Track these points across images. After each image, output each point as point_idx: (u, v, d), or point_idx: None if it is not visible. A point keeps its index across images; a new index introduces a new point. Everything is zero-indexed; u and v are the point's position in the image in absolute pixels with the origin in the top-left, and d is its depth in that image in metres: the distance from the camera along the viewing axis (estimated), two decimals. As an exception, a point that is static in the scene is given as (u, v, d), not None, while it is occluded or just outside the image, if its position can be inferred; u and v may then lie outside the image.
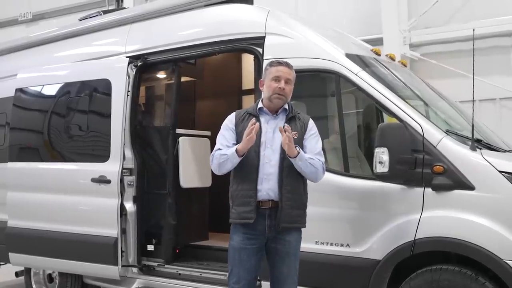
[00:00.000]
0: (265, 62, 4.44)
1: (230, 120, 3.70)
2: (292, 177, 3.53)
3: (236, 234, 3.60)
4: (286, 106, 3.65)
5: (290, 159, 3.46)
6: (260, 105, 3.66)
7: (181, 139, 5.32)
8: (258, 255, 3.61)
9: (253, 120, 3.50)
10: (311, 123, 3.69)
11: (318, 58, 4.32)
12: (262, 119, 3.62)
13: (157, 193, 5.29)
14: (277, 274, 3.64)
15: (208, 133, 5.76)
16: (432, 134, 3.79)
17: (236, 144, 3.54)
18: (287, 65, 3.64)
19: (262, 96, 3.71)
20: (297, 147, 3.46)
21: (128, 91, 5.18)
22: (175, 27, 5.32)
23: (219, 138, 3.67)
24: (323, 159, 3.63)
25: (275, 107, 3.62)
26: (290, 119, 3.61)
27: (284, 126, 3.45)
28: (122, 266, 5.09)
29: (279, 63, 3.65)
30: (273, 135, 3.57)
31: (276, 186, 3.51)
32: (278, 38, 4.55)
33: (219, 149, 3.60)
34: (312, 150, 3.60)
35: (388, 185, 3.85)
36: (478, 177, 3.62)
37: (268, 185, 3.51)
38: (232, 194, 3.62)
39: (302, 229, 3.67)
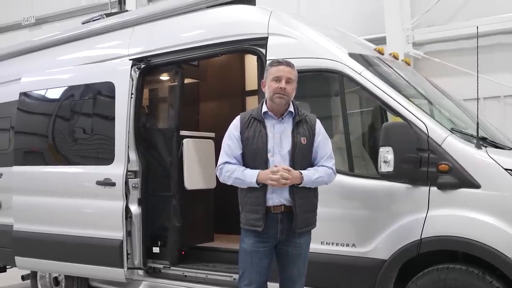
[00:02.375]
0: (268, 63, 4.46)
1: (235, 127, 3.64)
2: None
3: (247, 237, 3.58)
4: (292, 109, 3.60)
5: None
6: (264, 108, 3.61)
7: (185, 141, 5.33)
8: (269, 257, 3.60)
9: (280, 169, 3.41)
10: (318, 124, 3.66)
11: (321, 58, 4.31)
12: (267, 123, 3.57)
13: (162, 195, 5.29)
14: (288, 276, 3.63)
15: (212, 134, 5.77)
16: (437, 132, 3.78)
17: (241, 154, 3.53)
18: (288, 64, 3.61)
19: (265, 97, 3.68)
20: (301, 174, 3.44)
21: (132, 94, 5.19)
22: (178, 29, 5.32)
23: (224, 148, 3.63)
24: (333, 161, 3.63)
25: (278, 107, 3.57)
26: (297, 123, 3.57)
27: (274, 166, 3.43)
28: (128, 268, 5.09)
29: (279, 62, 3.62)
30: (280, 140, 3.53)
31: (286, 192, 3.49)
32: (281, 39, 4.54)
33: (227, 162, 3.57)
34: (323, 155, 3.59)
35: (393, 184, 3.84)
36: (483, 175, 3.61)
37: (278, 192, 3.48)
38: (241, 200, 3.60)
39: (308, 230, 3.67)
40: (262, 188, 3.47)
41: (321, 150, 3.60)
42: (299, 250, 3.59)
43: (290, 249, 3.58)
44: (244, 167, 3.54)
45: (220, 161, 3.62)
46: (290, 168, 3.43)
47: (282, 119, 3.59)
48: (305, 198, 3.53)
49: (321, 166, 3.58)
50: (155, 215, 5.27)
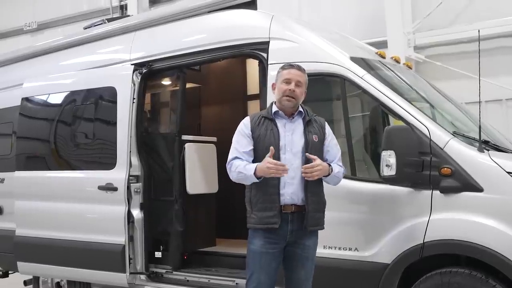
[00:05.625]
0: (270, 67, 4.47)
1: (245, 125, 3.64)
2: (315, 181, 3.53)
3: (256, 238, 3.56)
4: (301, 109, 3.65)
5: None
6: (275, 108, 3.65)
7: (187, 145, 5.32)
8: (278, 259, 3.59)
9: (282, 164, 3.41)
10: (327, 126, 3.72)
11: (323, 62, 4.32)
12: (278, 122, 3.61)
13: (164, 199, 5.29)
14: (295, 278, 3.63)
15: (214, 139, 5.76)
16: (439, 136, 3.78)
17: (252, 150, 3.51)
18: (299, 68, 3.66)
19: (274, 99, 3.70)
20: (330, 166, 3.53)
21: (134, 98, 5.20)
22: (179, 34, 5.33)
23: (235, 144, 3.62)
24: (340, 162, 3.68)
25: (286, 109, 3.61)
26: (308, 122, 3.62)
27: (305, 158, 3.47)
28: (130, 273, 5.09)
29: (291, 66, 3.67)
30: (292, 138, 3.56)
31: (299, 190, 3.50)
32: (283, 43, 4.55)
33: (237, 157, 3.55)
34: (334, 156, 3.65)
35: (396, 188, 3.84)
36: (486, 178, 3.60)
37: (291, 189, 3.49)
38: (251, 199, 3.57)
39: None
40: (274, 184, 3.46)
41: (333, 152, 3.67)
42: (307, 253, 3.59)
43: (298, 251, 3.58)
44: (247, 162, 3.53)
45: (229, 157, 3.61)
46: (320, 161, 3.47)
47: (293, 118, 3.63)
48: (317, 195, 3.56)
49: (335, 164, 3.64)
50: (157, 219, 5.27)
